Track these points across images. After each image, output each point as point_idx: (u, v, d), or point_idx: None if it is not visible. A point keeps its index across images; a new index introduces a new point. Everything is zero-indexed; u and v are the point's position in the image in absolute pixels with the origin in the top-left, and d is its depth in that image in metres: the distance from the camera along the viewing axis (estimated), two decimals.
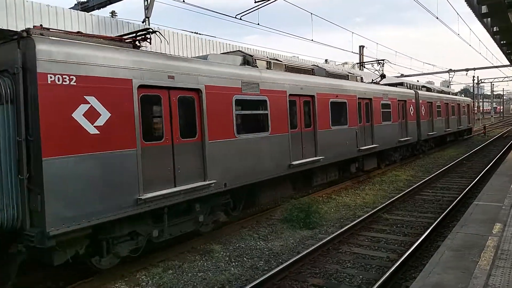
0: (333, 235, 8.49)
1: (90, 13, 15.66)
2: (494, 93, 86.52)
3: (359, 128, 14.16)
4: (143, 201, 6.66)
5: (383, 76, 20.22)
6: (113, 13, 16.97)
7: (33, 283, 6.82)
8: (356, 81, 15.48)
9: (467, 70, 50.28)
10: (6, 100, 5.60)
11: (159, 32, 8.74)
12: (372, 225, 9.65)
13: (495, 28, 18.72)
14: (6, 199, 5.55)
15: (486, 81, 66.30)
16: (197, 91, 7.87)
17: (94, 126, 6.07)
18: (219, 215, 8.99)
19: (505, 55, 28.99)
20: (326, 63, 34.69)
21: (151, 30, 7.77)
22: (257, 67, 10.18)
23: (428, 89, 25.15)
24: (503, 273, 4.92)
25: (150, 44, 7.75)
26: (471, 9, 15.41)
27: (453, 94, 32.91)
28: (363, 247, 8.19)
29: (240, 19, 14.34)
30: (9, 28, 11.08)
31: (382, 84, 18.66)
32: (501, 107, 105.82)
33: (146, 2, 16.39)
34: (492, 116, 75.97)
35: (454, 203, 10.67)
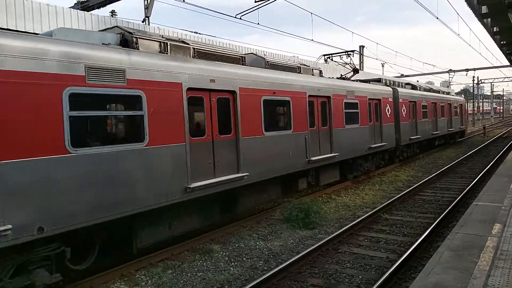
0: (333, 235, 8.49)
1: (90, 12, 15.64)
2: (494, 93, 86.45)
3: (310, 133, 11.48)
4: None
5: (355, 70, 16.63)
6: (113, 13, 16.95)
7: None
8: (312, 74, 12.90)
9: (467, 70, 50.26)
10: None
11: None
12: (372, 225, 9.65)
13: (495, 28, 18.72)
14: None
15: (486, 81, 66.30)
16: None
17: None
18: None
19: (505, 56, 28.98)
20: (326, 63, 34.63)
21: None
22: (139, 50, 7.49)
23: (414, 87, 22.72)
24: (503, 274, 4.92)
25: None
26: (471, 9, 15.39)
27: (444, 92, 30.19)
28: (363, 247, 8.18)
29: (240, 18, 14.33)
30: (9, 28, 11.07)
31: (353, 80, 16.03)
32: (501, 107, 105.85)
33: (146, 2, 16.39)
34: (492, 116, 75.97)
35: (453, 204, 10.67)
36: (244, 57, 10.22)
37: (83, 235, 6.27)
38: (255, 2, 12.81)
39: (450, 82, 58.12)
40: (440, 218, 9.39)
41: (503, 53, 26.91)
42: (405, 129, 18.76)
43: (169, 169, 7.23)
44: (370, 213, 10.22)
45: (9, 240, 5.16)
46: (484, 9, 15.33)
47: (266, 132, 9.69)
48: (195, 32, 17.43)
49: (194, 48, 8.65)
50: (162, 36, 8.47)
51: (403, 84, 21.34)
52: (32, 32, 11.27)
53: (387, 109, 16.69)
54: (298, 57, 26.27)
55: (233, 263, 7.59)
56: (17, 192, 5.26)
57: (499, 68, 47.43)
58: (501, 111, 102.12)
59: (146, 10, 16.29)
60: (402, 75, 48.24)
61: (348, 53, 16.10)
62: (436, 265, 5.30)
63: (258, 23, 16.37)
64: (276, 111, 10.56)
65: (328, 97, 12.54)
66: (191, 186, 7.57)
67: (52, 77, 5.71)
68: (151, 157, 6.91)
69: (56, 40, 6.14)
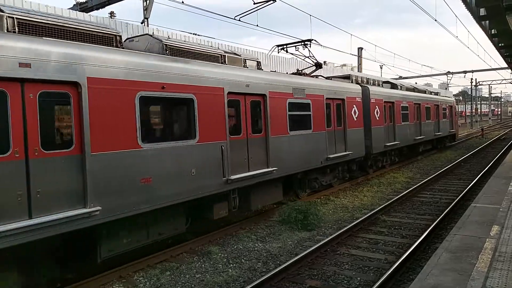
0: (331, 236, 8.49)
1: (89, 13, 15.65)
2: (492, 95, 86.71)
3: (231, 143, 8.74)
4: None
5: (318, 65, 13.81)
6: (112, 14, 16.96)
7: (31, 283, 6.77)
8: (245, 66, 10.29)
9: (465, 72, 50.36)
10: None
11: None
12: (370, 227, 9.65)
13: (493, 30, 18.78)
14: None
15: (484, 83, 66.52)
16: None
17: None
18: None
19: (503, 58, 29.07)
20: (325, 64, 34.72)
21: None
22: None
23: (393, 86, 20.02)
24: (501, 275, 4.92)
25: None
26: (469, 11, 15.44)
27: (432, 93, 27.01)
28: (361, 249, 8.18)
29: (239, 20, 14.34)
30: None
31: (310, 76, 13.18)
32: (499, 109, 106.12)
33: (145, 3, 16.40)
34: (490, 118, 76.18)
35: (452, 205, 10.69)
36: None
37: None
38: (254, 4, 12.81)
39: (448, 84, 58.27)
40: (438, 220, 9.40)
41: (501, 55, 26.98)
42: (378, 134, 16.05)
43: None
44: (368, 214, 10.22)
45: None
46: (482, 12, 15.37)
47: (146, 144, 7.08)
48: (194, 34, 17.45)
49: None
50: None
51: (380, 83, 18.46)
52: None
53: (353, 111, 14.04)
54: (296, 59, 26.16)
55: (231, 265, 7.58)
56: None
57: (497, 70, 47.57)
58: (499, 113, 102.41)
59: (145, 12, 16.30)
60: (400, 77, 48.35)
61: (305, 42, 13.21)
62: (434, 267, 5.30)
63: (257, 25, 16.38)
64: (167, 113, 7.87)
65: (263, 96, 9.77)
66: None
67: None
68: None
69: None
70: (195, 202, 8.07)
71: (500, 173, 12.75)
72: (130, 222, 6.84)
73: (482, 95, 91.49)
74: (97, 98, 6.20)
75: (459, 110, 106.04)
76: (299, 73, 13.35)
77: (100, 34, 7.08)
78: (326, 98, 12.44)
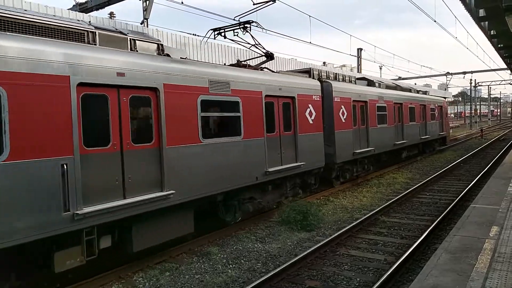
0: (331, 237, 8.50)
1: (88, 14, 15.65)
2: (491, 96, 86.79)
3: (81, 158, 5.99)
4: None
5: (268, 56, 11.55)
6: (111, 14, 16.97)
7: (30, 284, 6.77)
8: (132, 49, 7.67)
9: (464, 73, 50.39)
10: None
11: None
12: (370, 228, 9.66)
13: (492, 31, 18.80)
14: None
15: (483, 84, 66.57)
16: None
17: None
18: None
19: (502, 59, 29.13)
20: (324, 65, 34.77)
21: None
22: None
23: (370, 83, 17.34)
24: (500, 276, 4.93)
25: None
26: (468, 12, 15.48)
27: (420, 92, 24.35)
28: (361, 250, 8.19)
29: (239, 20, 14.33)
30: None
31: (263, 69, 11.06)
32: (498, 110, 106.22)
33: (144, 4, 16.40)
34: (489, 119, 76.27)
35: (451, 206, 10.69)
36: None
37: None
38: (254, 4, 12.81)
39: (447, 85, 58.32)
40: (437, 220, 9.41)
41: (501, 56, 27.03)
42: (345, 140, 13.58)
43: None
44: (368, 215, 10.22)
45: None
46: (481, 13, 15.40)
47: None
48: (193, 34, 17.45)
49: None
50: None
51: (353, 79, 15.78)
52: None
53: (308, 111, 11.53)
54: (296, 59, 26.20)
55: (231, 265, 7.58)
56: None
57: (497, 71, 47.61)
58: (499, 113, 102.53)
59: (144, 12, 16.30)
60: (399, 78, 48.41)
61: (245, 25, 10.93)
62: (434, 268, 5.31)
63: (257, 25, 16.34)
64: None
65: (155, 91, 7.17)
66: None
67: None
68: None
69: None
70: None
71: (499, 174, 12.76)
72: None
73: (482, 96, 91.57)
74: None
75: (458, 111, 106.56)
76: (238, 64, 10.69)
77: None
78: (267, 96, 9.90)
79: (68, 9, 14.16)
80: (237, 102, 9.09)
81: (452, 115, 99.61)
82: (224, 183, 8.63)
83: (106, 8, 17.96)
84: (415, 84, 43.62)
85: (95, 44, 7.01)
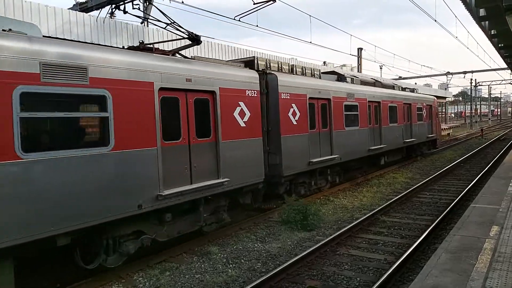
0: (331, 237, 8.50)
1: (88, 13, 15.64)
2: (492, 95, 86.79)
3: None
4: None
5: (193, 39, 9.11)
6: (111, 15, 16.94)
7: (30, 284, 6.78)
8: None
9: (464, 72, 50.38)
10: None
11: None
12: (370, 227, 9.66)
13: (493, 31, 18.79)
14: None
15: (484, 83, 66.57)
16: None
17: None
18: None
19: (502, 58, 29.10)
20: (324, 65, 34.76)
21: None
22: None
23: (340, 77, 15.08)
24: (500, 276, 4.93)
25: None
26: (469, 12, 15.46)
27: (406, 89, 21.69)
28: (361, 249, 8.19)
29: (239, 20, 14.34)
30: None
31: (186, 58, 8.76)
32: (499, 109, 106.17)
33: (145, 3, 16.39)
34: (489, 119, 76.21)
35: (451, 206, 10.69)
36: None
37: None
38: (254, 4, 12.80)
39: (448, 85, 58.30)
40: (438, 220, 9.41)
41: (501, 55, 27.01)
42: (295, 146, 11.13)
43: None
44: (368, 215, 10.22)
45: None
46: (482, 12, 15.39)
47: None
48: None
49: None
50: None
51: (315, 72, 13.27)
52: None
53: (238, 111, 9.18)
54: (296, 59, 26.18)
55: (231, 265, 7.59)
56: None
57: (497, 71, 47.59)
58: (499, 113, 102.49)
59: (144, 12, 16.27)
60: (400, 77, 48.38)
61: None
62: (434, 267, 5.31)
63: (257, 25, 16.37)
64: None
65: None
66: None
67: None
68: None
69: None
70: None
71: (499, 174, 12.75)
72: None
73: (482, 96, 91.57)
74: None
75: (459, 110, 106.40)
76: (138, 47, 8.02)
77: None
78: (161, 89, 7.31)
79: (68, 9, 14.15)
80: (103, 98, 6.34)
81: (453, 115, 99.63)
82: (81, 217, 5.93)
83: (106, 7, 17.92)
84: (415, 83, 43.55)
85: None
